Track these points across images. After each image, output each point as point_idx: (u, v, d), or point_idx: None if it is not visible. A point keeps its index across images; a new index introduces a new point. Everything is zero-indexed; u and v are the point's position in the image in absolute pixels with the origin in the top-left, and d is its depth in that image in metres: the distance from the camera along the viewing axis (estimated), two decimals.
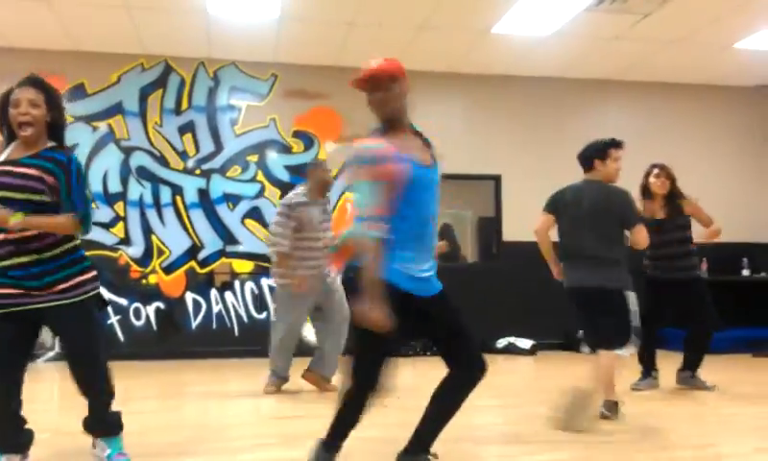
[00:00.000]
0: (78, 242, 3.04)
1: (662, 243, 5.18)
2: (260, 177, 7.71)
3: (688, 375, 5.24)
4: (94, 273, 3.04)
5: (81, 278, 2.97)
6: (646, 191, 5.31)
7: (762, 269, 8.32)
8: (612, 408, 4.06)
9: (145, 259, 7.43)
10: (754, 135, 8.87)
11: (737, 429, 3.99)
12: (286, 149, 7.79)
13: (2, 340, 2.88)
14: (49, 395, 5.36)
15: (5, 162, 2.89)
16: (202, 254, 7.55)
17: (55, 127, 2.99)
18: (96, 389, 3.05)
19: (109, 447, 3.10)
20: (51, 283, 2.89)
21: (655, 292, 5.23)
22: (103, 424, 3.10)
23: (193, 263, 7.53)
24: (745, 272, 8.19)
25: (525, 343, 7.70)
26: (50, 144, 2.97)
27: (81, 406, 3.05)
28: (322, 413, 4.57)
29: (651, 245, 5.12)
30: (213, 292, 7.57)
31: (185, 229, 7.54)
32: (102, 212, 7.27)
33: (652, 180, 5.27)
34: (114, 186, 7.41)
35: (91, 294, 3.00)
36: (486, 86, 8.23)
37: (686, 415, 4.34)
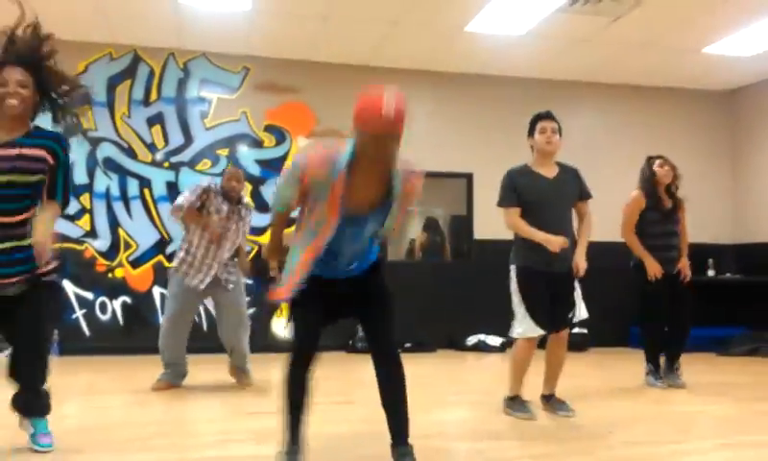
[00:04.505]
0: None
1: (664, 233, 5.25)
2: None
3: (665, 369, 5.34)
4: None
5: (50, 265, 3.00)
6: (650, 182, 5.31)
7: (727, 270, 8.48)
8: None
9: (111, 253, 7.31)
10: (720, 139, 9.03)
11: (701, 426, 4.05)
12: (257, 143, 7.71)
13: None
14: None
15: (6, 144, 2.84)
16: (170, 248, 7.43)
17: (52, 88, 3.00)
18: (42, 373, 3.07)
19: (36, 426, 3.12)
20: (23, 271, 2.89)
21: (653, 286, 5.22)
22: (38, 406, 3.11)
23: (161, 257, 7.42)
24: (710, 272, 8.33)
25: (495, 340, 7.75)
26: (33, 125, 2.95)
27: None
28: None
29: (648, 235, 5.19)
30: None
31: (153, 222, 7.42)
32: None
33: (657, 169, 5.29)
34: (80, 178, 7.26)
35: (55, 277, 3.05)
36: (458, 85, 8.25)
37: (653, 412, 4.39)
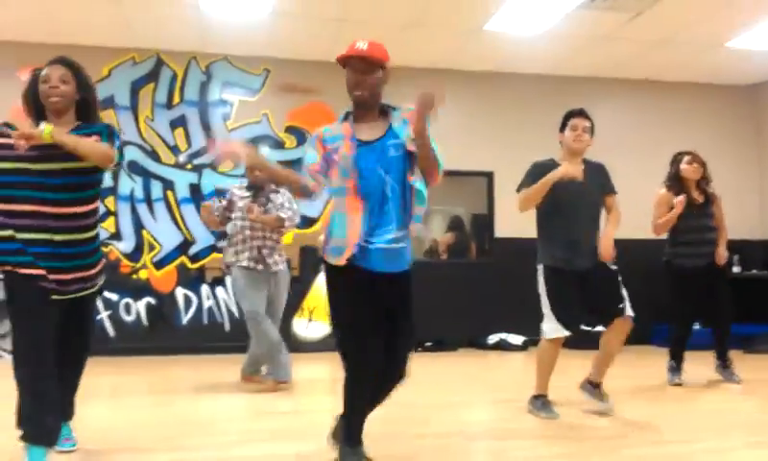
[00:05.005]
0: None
1: (695, 228, 5.21)
2: None
3: (719, 365, 5.34)
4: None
5: (100, 266, 3.01)
6: (676, 179, 5.30)
7: (753, 266, 8.36)
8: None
9: (136, 254, 7.40)
10: (744, 134, 8.91)
11: (727, 424, 4.01)
12: (279, 144, 7.76)
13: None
14: None
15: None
16: (193, 250, 7.52)
17: (86, 107, 2.98)
18: (77, 382, 3.11)
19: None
20: (78, 268, 2.89)
21: (684, 282, 5.22)
22: (66, 412, 3.12)
23: (184, 258, 7.50)
24: (736, 269, 8.23)
25: (517, 339, 7.72)
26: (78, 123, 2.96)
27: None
28: (312, 408, 4.60)
29: (681, 230, 5.16)
30: (204, 287, 7.54)
31: (176, 223, 7.51)
32: None
33: (684, 166, 5.28)
34: (105, 181, 7.34)
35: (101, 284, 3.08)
36: (478, 83, 8.23)
37: (677, 410, 4.36)
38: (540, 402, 4.11)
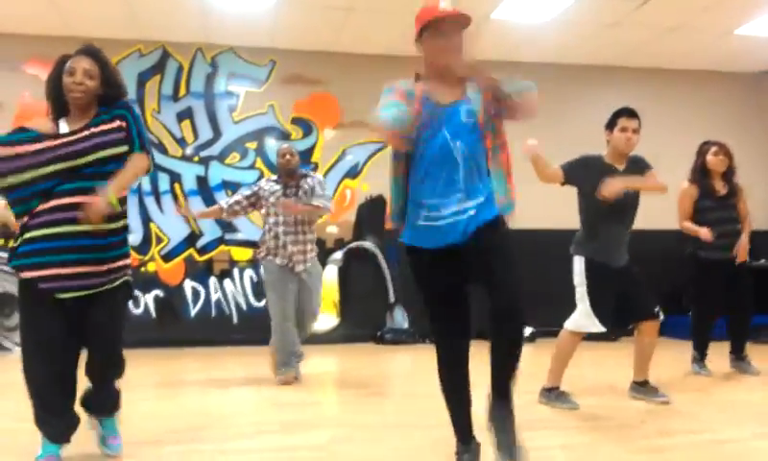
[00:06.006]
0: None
1: (719, 220, 5.15)
2: (259, 164, 7.68)
3: (734, 358, 5.32)
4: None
5: (115, 264, 2.93)
6: (702, 170, 5.24)
7: (762, 256, 8.31)
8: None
9: (143, 247, 7.41)
10: (755, 121, 8.84)
11: (740, 415, 3.99)
12: (285, 135, 7.74)
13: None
14: None
15: (78, 130, 2.80)
16: (200, 242, 7.53)
17: (113, 100, 2.92)
18: (106, 378, 3.06)
19: (105, 427, 3.11)
20: (107, 260, 2.85)
21: (707, 274, 5.19)
22: (106, 407, 3.09)
23: (192, 251, 7.51)
24: (763, 261, 8.17)
25: (525, 331, 7.69)
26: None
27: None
28: (321, 400, 4.60)
29: (704, 223, 5.11)
30: (212, 280, 7.55)
31: (184, 216, 7.49)
32: None
33: (710, 157, 5.22)
34: None
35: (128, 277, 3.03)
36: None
37: (687, 401, 4.33)
38: (554, 394, 4.09)
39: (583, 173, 4.01)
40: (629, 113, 4.10)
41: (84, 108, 2.86)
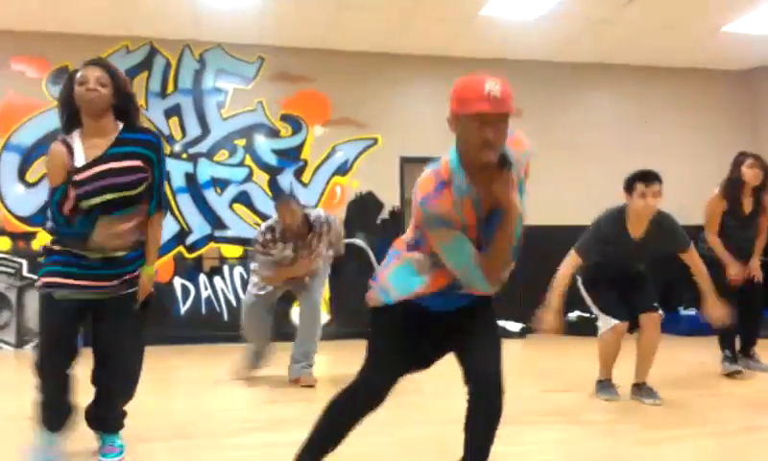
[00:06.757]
0: None
1: (740, 239, 5.07)
2: (248, 161, 7.65)
3: (741, 356, 5.28)
4: None
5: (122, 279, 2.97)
6: (736, 183, 5.05)
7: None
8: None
9: None
10: (741, 118, 8.90)
11: (728, 409, 4.02)
12: (274, 133, 7.73)
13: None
14: None
15: (100, 160, 2.78)
16: (190, 239, 7.50)
17: (124, 111, 2.89)
18: (114, 392, 3.07)
19: (103, 441, 3.10)
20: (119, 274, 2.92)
21: (723, 279, 5.01)
22: (107, 422, 3.09)
23: (181, 248, 7.48)
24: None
25: (515, 326, 7.73)
26: (121, 125, 2.88)
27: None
28: (310, 397, 4.59)
29: (734, 237, 5.04)
30: (202, 277, 7.53)
31: (173, 213, 7.48)
32: None
33: (745, 169, 5.02)
34: None
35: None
36: (474, 70, 8.08)
37: (681, 396, 4.35)
38: (603, 385, 4.28)
39: (602, 249, 4.07)
40: (649, 178, 3.94)
41: (99, 117, 2.82)
